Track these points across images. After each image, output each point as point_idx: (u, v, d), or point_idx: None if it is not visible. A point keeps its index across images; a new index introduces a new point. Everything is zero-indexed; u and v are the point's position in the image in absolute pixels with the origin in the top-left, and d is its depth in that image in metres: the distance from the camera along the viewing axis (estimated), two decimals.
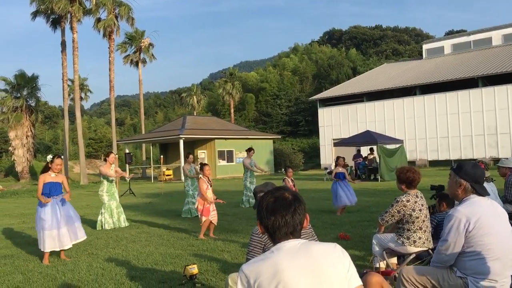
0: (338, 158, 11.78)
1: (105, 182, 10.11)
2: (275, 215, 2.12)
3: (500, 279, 3.27)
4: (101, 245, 7.89)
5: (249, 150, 13.83)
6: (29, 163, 37.98)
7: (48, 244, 6.84)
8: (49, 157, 7.21)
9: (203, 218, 8.41)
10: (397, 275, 4.90)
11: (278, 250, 2.08)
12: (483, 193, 3.42)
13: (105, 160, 10.42)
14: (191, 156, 12.26)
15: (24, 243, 8.67)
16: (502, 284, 3.29)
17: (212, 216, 8.50)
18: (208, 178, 8.66)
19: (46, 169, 7.16)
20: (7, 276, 6.13)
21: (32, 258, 7.25)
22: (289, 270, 2.00)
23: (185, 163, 12.24)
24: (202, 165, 8.88)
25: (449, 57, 40.92)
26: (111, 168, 10.08)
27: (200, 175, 8.74)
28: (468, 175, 3.43)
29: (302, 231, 2.19)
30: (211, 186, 8.64)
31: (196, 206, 8.69)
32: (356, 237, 7.76)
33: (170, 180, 33.49)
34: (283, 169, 11.45)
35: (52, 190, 7.01)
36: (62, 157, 7.55)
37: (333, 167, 26.20)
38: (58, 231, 6.89)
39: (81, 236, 7.29)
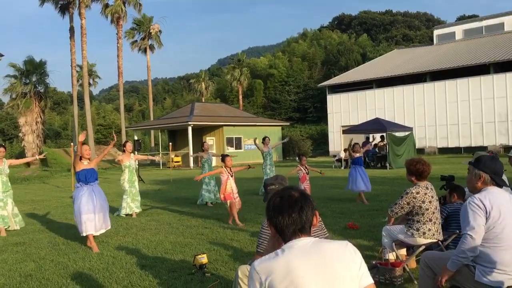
0: (355, 144, 11.85)
1: (126, 171, 10.30)
2: (282, 213, 2.16)
3: (510, 270, 3.26)
4: (111, 233, 7.97)
5: (265, 138, 13.68)
6: (39, 149, 38.27)
7: (89, 227, 6.97)
8: (75, 147, 7.39)
9: (228, 202, 8.64)
10: (406, 266, 4.92)
11: (290, 249, 2.10)
12: (502, 184, 3.51)
13: (123, 150, 10.51)
14: (206, 144, 12.30)
15: (35, 230, 8.77)
16: (511, 277, 3.28)
17: (236, 197, 8.71)
18: (230, 168, 8.87)
19: (78, 157, 7.27)
20: (19, 263, 6.22)
21: (44, 245, 7.34)
22: (300, 269, 2.01)
23: (201, 151, 12.22)
24: (224, 156, 9.12)
25: (461, 43, 40.41)
26: (130, 156, 10.30)
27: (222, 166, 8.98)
28: (488, 167, 3.51)
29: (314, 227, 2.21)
30: (232, 177, 8.82)
31: (220, 197, 9.01)
32: (365, 227, 7.75)
33: (178, 167, 33.63)
34: (296, 158, 11.38)
35: (87, 176, 7.15)
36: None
37: (342, 155, 26.34)
38: (94, 216, 7.03)
39: (109, 225, 7.47)
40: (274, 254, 2.11)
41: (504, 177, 6.71)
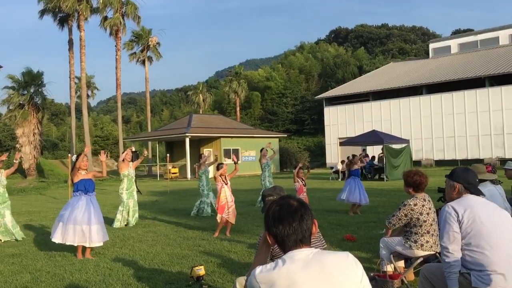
0: (354, 156, 12.10)
1: (125, 180, 10.35)
2: (282, 223, 2.12)
3: (506, 271, 3.24)
4: (108, 245, 7.93)
5: (262, 150, 13.70)
6: (36, 160, 38.09)
7: (78, 239, 6.93)
8: (74, 156, 7.40)
9: (218, 216, 8.65)
10: (404, 278, 4.92)
11: (291, 260, 2.07)
12: (477, 193, 3.61)
13: (122, 160, 10.56)
14: (204, 156, 12.34)
15: (31, 242, 8.73)
16: (506, 278, 3.24)
17: (227, 214, 8.63)
18: (224, 177, 8.91)
19: (75, 168, 7.26)
20: (15, 275, 6.18)
21: (40, 257, 7.30)
22: (302, 282, 1.99)
23: (200, 163, 12.21)
24: (219, 164, 9.21)
25: (456, 56, 40.72)
26: (129, 165, 10.37)
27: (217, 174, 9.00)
28: (461, 178, 3.63)
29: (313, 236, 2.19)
30: (226, 185, 8.86)
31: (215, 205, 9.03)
32: (362, 239, 7.75)
33: (176, 178, 33.57)
34: (293, 169, 11.32)
35: (86, 186, 7.15)
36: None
37: (339, 167, 26.37)
38: (90, 228, 6.97)
39: (107, 237, 7.42)
40: (274, 264, 2.08)
41: (499, 188, 6.76)
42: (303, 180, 10.56)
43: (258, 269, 2.10)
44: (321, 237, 4.06)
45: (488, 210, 3.45)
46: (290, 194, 2.46)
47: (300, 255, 2.08)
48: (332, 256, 2.10)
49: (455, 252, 3.38)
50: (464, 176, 3.63)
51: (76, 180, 7.15)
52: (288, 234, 2.11)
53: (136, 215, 10.49)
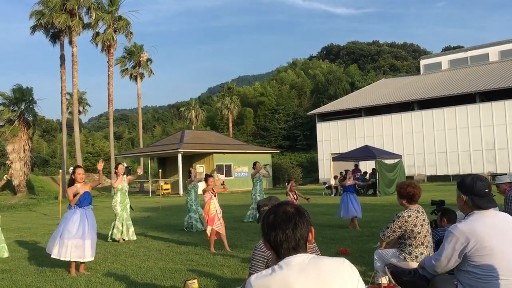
0: (347, 171, 12.18)
1: (118, 193, 10.31)
2: (276, 229, 2.10)
3: None
4: (99, 260, 7.82)
5: (255, 163, 13.68)
6: (26, 177, 37.78)
7: (74, 253, 6.80)
8: (71, 169, 7.29)
9: (208, 228, 8.52)
10: None
11: (287, 265, 2.05)
12: (484, 206, 3.30)
13: (115, 173, 10.45)
14: (194, 171, 12.28)
15: (21, 258, 8.59)
16: None
17: (217, 226, 8.52)
18: (212, 189, 8.80)
19: (72, 181, 7.15)
20: None
21: (30, 272, 7.17)
22: (298, 286, 1.97)
23: (189, 178, 12.18)
24: (207, 176, 9.10)
25: (447, 72, 41.20)
26: (123, 179, 10.27)
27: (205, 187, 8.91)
28: (467, 188, 3.37)
29: (308, 245, 2.17)
30: (215, 196, 8.76)
31: (203, 217, 8.89)
32: (356, 252, 7.71)
33: (168, 194, 33.36)
34: (286, 183, 11.36)
35: (81, 200, 7.02)
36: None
37: (332, 182, 26.36)
38: (84, 242, 6.85)
39: (94, 254, 7.20)
40: (270, 270, 2.06)
41: None
42: (295, 193, 10.54)
43: (254, 276, 2.07)
44: (316, 246, 4.03)
45: (499, 236, 3.20)
46: (288, 201, 2.43)
47: (296, 260, 2.06)
48: (328, 261, 2.08)
49: (442, 271, 3.41)
50: (470, 185, 3.36)
51: (71, 193, 7.01)
52: (281, 241, 2.09)
53: (132, 228, 10.38)
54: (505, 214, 3.45)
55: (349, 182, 11.84)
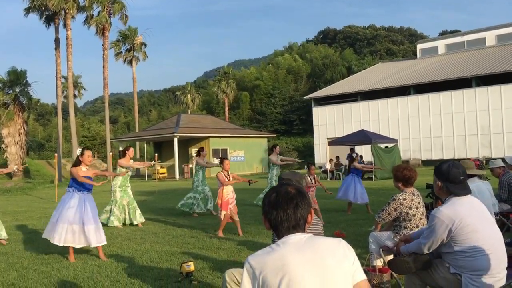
0: (356, 154, 12.27)
1: (120, 177, 9.98)
2: (277, 209, 2.15)
3: (496, 273, 3.27)
4: None
5: (275, 146, 12.89)
6: (21, 161, 37.69)
7: (68, 239, 6.57)
8: (79, 150, 6.87)
9: (222, 213, 8.34)
10: (393, 272, 4.92)
11: (284, 244, 2.10)
12: (458, 193, 3.38)
13: (124, 154, 10.12)
14: (205, 150, 11.86)
15: (18, 240, 8.61)
16: (499, 279, 3.30)
17: (230, 210, 8.38)
18: (227, 172, 8.61)
19: (77, 163, 6.83)
20: (1, 273, 6.08)
21: (27, 255, 7.20)
22: (294, 264, 2.01)
23: (198, 156, 11.62)
24: (222, 159, 8.84)
25: (443, 57, 41.09)
26: (130, 161, 10.05)
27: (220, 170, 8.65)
28: (442, 174, 3.43)
29: (312, 224, 2.21)
30: (228, 181, 8.55)
31: (216, 202, 8.68)
32: (352, 235, 7.77)
33: (164, 179, 33.41)
34: (305, 166, 10.96)
35: (83, 184, 6.75)
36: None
37: (327, 166, 26.43)
38: (83, 228, 6.59)
39: (104, 241, 6.93)
40: (269, 248, 2.12)
41: (487, 184, 6.78)
42: (314, 178, 9.86)
43: (252, 255, 2.13)
44: (321, 225, 4.05)
45: (477, 216, 3.34)
46: (291, 180, 2.46)
47: (294, 239, 2.12)
48: (324, 240, 2.14)
49: (428, 250, 3.49)
50: (445, 172, 3.41)
51: (75, 174, 6.71)
52: (281, 220, 2.14)
53: (138, 210, 10.09)
54: (477, 199, 3.54)
55: (359, 166, 11.65)
